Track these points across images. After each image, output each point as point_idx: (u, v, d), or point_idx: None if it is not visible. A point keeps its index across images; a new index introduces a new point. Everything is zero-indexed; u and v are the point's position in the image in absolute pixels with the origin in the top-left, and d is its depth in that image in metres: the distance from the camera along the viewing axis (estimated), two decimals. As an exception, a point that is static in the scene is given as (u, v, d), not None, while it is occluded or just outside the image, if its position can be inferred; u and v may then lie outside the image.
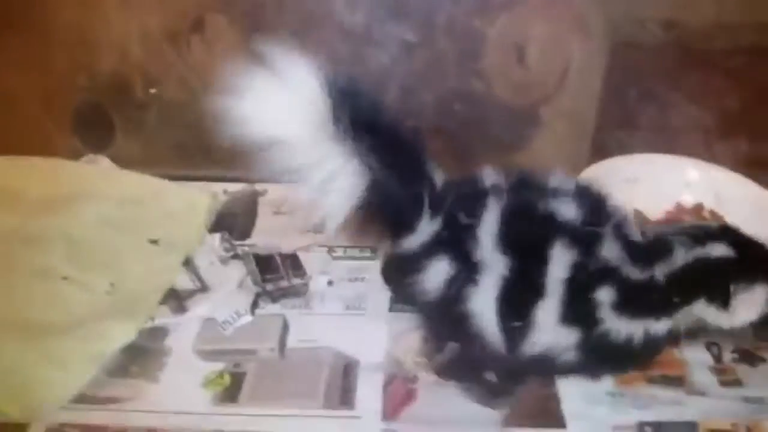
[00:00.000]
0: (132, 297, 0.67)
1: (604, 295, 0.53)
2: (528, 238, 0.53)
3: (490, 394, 0.60)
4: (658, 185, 0.81)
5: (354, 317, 0.68)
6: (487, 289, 0.53)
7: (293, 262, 0.73)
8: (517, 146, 0.86)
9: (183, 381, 0.61)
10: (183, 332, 0.66)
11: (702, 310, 0.57)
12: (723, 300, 0.56)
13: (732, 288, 0.56)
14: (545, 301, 0.53)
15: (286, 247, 0.75)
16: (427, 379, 0.61)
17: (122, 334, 0.63)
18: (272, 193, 0.85)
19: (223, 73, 0.82)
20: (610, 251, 0.54)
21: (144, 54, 0.83)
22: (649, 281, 0.55)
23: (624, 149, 0.81)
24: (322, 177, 0.53)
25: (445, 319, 0.57)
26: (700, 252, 0.56)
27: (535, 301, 0.53)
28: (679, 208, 0.80)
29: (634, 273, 0.54)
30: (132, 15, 0.81)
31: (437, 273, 0.54)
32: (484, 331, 0.54)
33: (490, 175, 0.56)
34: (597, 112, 0.84)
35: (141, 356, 0.64)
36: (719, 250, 0.56)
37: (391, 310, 0.69)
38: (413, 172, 0.55)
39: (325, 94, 0.51)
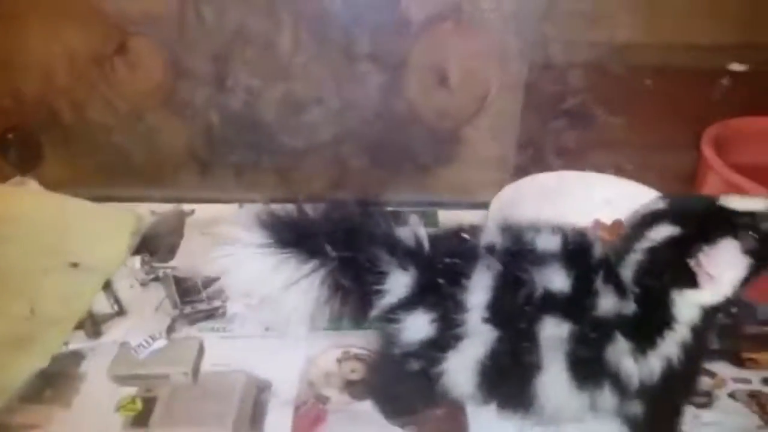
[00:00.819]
0: (49, 322, 0.67)
1: (612, 351, 0.52)
2: (519, 313, 0.51)
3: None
4: (578, 202, 0.83)
5: (271, 340, 0.69)
6: (467, 354, 0.52)
7: (214, 285, 0.73)
8: (440, 167, 0.87)
9: (96, 406, 0.62)
10: (98, 357, 0.66)
11: (682, 301, 0.52)
12: (688, 278, 0.51)
13: (692, 261, 0.51)
14: (545, 374, 0.52)
15: (209, 269, 0.75)
16: (338, 400, 0.62)
17: (36, 360, 0.63)
18: (200, 213, 0.86)
19: (147, 94, 0.83)
20: (606, 305, 0.52)
21: (69, 77, 0.83)
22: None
23: (544, 168, 0.83)
24: (277, 288, 0.53)
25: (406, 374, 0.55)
26: (647, 244, 0.52)
27: (532, 374, 0.52)
28: (598, 224, 0.83)
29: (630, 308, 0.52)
30: (56, 39, 0.81)
31: (416, 330, 0.53)
32: (452, 392, 0.54)
33: (484, 233, 0.55)
34: (517, 132, 0.86)
35: (55, 381, 0.63)
36: (663, 231, 0.52)
37: (310, 330, 0.70)
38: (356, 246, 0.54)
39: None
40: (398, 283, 0.53)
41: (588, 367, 0.52)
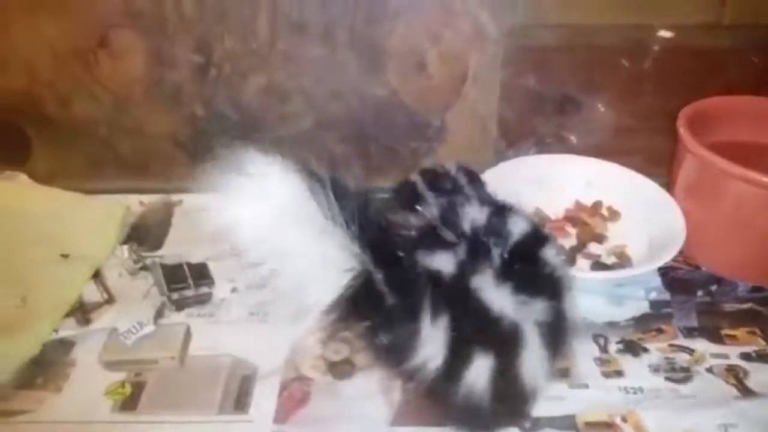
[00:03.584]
0: (40, 310, 0.69)
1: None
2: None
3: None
4: (559, 185, 0.84)
5: (257, 324, 0.70)
6: None
7: (201, 272, 0.75)
8: (422, 152, 0.88)
9: (86, 391, 0.63)
10: (88, 344, 0.67)
11: None
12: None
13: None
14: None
15: (197, 257, 0.77)
16: (321, 381, 0.64)
17: (27, 348, 0.65)
18: (187, 203, 0.87)
19: (131, 86, 0.84)
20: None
21: (53, 71, 0.84)
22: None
23: (525, 151, 0.84)
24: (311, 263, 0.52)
25: None
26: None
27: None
28: (579, 206, 0.84)
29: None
30: (38, 34, 0.82)
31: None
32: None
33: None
34: (497, 116, 0.87)
35: (46, 368, 0.65)
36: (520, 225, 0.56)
37: (293, 315, 0.71)
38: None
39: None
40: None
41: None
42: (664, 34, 0.82)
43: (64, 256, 0.75)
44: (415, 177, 0.65)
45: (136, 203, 0.86)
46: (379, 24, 0.81)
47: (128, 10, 0.80)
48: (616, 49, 0.83)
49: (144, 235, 0.81)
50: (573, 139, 0.87)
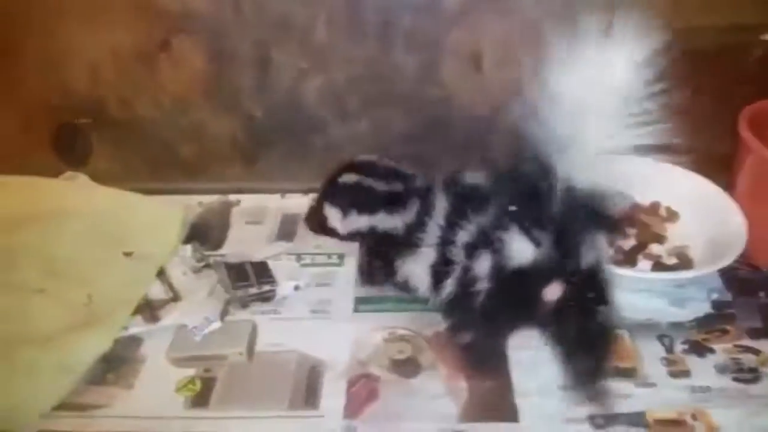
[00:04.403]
0: (107, 308, 0.70)
1: None
2: None
3: None
4: (614, 185, 0.83)
5: (320, 320, 0.71)
6: None
7: (263, 270, 0.75)
8: (478, 150, 0.88)
9: (156, 387, 0.65)
10: (156, 341, 0.69)
11: None
12: None
13: None
14: None
15: (257, 256, 0.78)
16: (388, 378, 0.64)
17: (98, 344, 0.66)
18: (245, 203, 0.88)
19: (191, 88, 0.86)
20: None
21: (115, 74, 0.86)
22: None
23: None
24: None
25: None
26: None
27: None
28: (636, 206, 0.83)
29: None
30: (101, 38, 0.84)
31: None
32: None
33: None
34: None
35: (116, 364, 0.67)
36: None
37: (355, 311, 0.72)
38: None
39: None
40: None
41: None
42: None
43: (127, 254, 0.77)
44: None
45: (194, 203, 0.87)
46: (437, 23, 0.82)
47: (189, 15, 0.82)
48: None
49: (204, 234, 0.82)
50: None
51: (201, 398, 0.63)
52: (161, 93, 0.87)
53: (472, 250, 0.61)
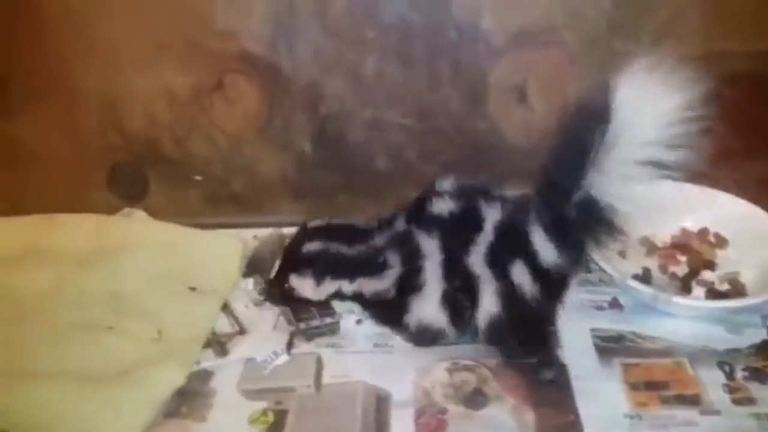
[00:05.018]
0: (178, 343, 0.72)
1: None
2: None
3: None
4: (663, 211, 0.85)
5: (382, 354, 0.73)
6: None
7: (324, 303, 0.77)
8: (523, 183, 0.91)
9: (229, 420, 0.66)
10: (226, 373, 0.70)
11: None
12: None
13: None
14: None
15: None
16: (455, 409, 0.66)
17: (173, 378, 0.68)
18: (298, 236, 0.91)
19: (244, 126, 0.89)
20: None
21: (171, 114, 0.89)
22: None
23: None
24: None
25: None
26: None
27: None
28: (685, 233, 0.85)
29: None
30: (157, 78, 0.87)
31: None
32: None
33: None
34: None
35: (189, 398, 0.68)
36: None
37: (415, 345, 0.74)
38: None
39: None
40: None
41: None
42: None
43: (192, 289, 0.79)
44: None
45: (250, 237, 0.89)
46: (482, 59, 0.85)
47: (244, 57, 0.85)
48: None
49: (261, 267, 0.84)
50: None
51: (274, 430, 0.65)
52: (215, 131, 0.90)
53: (496, 266, 0.65)
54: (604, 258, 0.75)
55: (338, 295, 0.72)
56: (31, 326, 0.74)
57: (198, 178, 0.92)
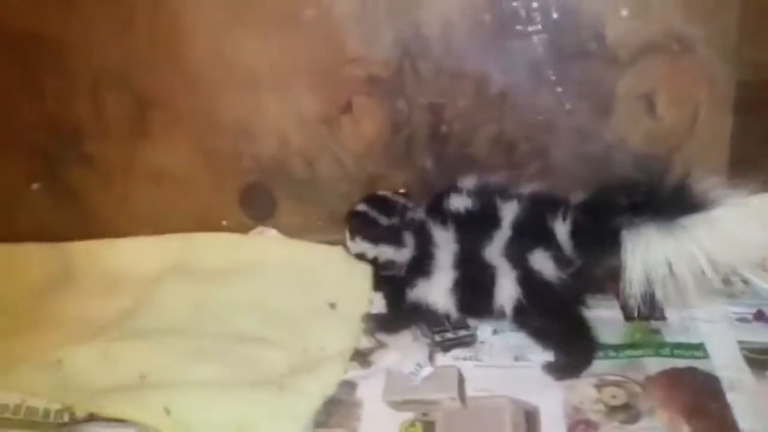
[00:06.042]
0: (326, 355, 0.75)
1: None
2: None
3: None
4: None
5: (523, 369, 0.73)
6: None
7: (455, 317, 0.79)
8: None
9: (379, 429, 0.68)
10: (369, 384, 0.73)
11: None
12: None
13: None
14: None
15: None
16: (608, 425, 0.65)
17: (324, 387, 0.71)
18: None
19: (369, 145, 0.92)
20: None
21: (301, 138, 0.93)
22: None
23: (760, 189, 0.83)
24: None
25: None
26: None
27: None
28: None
29: None
30: (288, 104, 0.92)
31: None
32: None
33: None
34: (729, 155, 0.87)
35: (337, 408, 0.71)
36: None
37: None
38: None
39: None
40: None
41: None
42: None
43: (332, 305, 0.83)
44: None
45: (374, 252, 0.92)
46: (608, 71, 0.85)
47: (371, 80, 0.89)
48: None
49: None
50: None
51: (425, 440, 0.66)
52: (342, 151, 0.93)
53: (514, 257, 0.68)
54: (749, 270, 0.73)
55: (362, 257, 0.79)
56: (185, 338, 0.79)
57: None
